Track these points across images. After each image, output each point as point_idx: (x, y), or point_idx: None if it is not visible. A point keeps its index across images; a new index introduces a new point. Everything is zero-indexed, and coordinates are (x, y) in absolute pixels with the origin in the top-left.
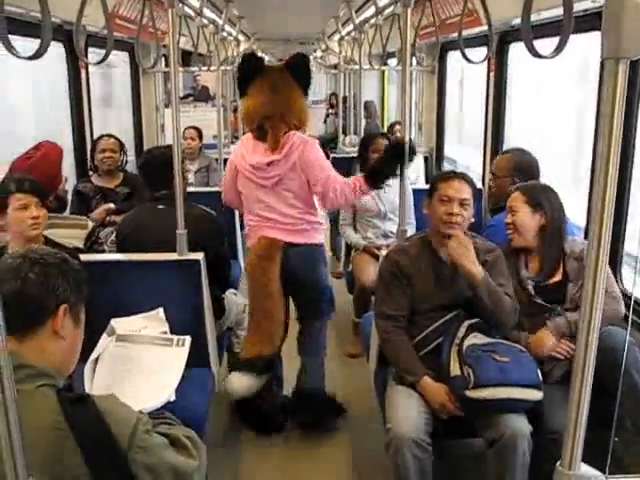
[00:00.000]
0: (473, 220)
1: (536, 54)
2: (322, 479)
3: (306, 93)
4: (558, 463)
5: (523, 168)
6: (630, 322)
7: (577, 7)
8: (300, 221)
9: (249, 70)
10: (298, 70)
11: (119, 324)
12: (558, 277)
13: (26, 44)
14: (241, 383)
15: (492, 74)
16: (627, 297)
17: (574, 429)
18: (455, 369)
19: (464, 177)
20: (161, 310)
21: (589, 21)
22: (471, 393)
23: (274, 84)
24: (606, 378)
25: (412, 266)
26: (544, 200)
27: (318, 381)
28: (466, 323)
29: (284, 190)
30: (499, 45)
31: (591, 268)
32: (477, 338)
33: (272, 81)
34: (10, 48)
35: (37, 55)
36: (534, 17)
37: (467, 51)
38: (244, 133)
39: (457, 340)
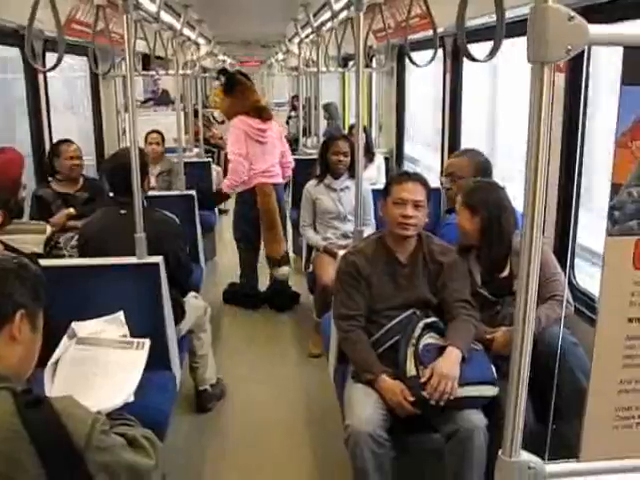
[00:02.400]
0: (427, 220)
1: (470, 57)
2: (283, 476)
3: None
4: (500, 451)
5: (482, 168)
6: (562, 321)
7: (511, 14)
8: (277, 169)
9: (232, 79)
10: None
11: (80, 327)
12: (506, 272)
13: None
14: (287, 270)
15: (448, 75)
16: (579, 292)
17: (513, 418)
18: (411, 369)
19: (418, 178)
20: (121, 313)
21: (521, 27)
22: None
23: (252, 86)
24: (551, 377)
25: (369, 266)
26: (479, 202)
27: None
28: (422, 323)
29: (272, 147)
30: (454, 47)
31: (524, 266)
32: (433, 338)
33: (250, 84)
34: None
35: None
36: (481, 20)
37: (430, 52)
38: (205, 137)
39: (413, 340)
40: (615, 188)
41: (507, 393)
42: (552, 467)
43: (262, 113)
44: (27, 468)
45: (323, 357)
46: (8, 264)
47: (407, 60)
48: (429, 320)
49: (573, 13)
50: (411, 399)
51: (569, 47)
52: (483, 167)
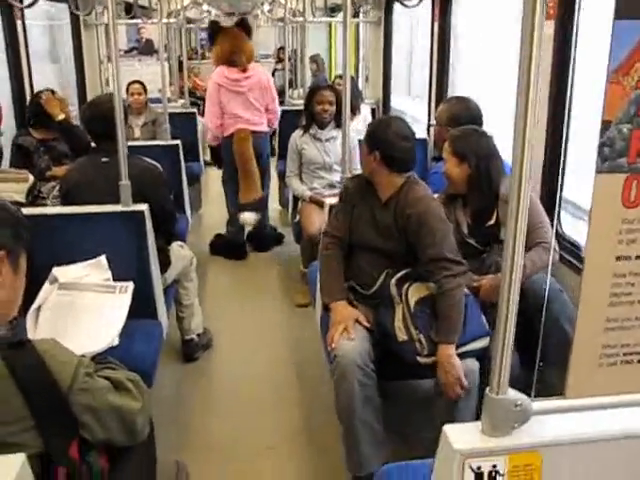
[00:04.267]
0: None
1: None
2: (269, 422)
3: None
4: (487, 389)
5: (459, 117)
6: (549, 269)
7: None
8: (259, 118)
9: (214, 29)
10: (245, 26)
11: (61, 272)
12: (493, 220)
13: None
14: (251, 217)
15: (436, 24)
16: (565, 241)
17: (500, 356)
18: (401, 334)
19: None
20: (103, 257)
21: None
22: (424, 359)
23: (233, 35)
24: (538, 323)
25: (356, 193)
26: (467, 149)
27: (266, 222)
28: (394, 280)
29: (251, 97)
30: None
31: (512, 213)
32: (420, 289)
33: (232, 33)
34: None
35: None
36: None
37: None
38: (189, 88)
39: (397, 298)
40: (605, 125)
41: (494, 334)
42: (538, 404)
43: (236, 63)
44: (12, 409)
45: (310, 307)
46: None
47: (395, 9)
48: (400, 275)
49: None
50: (367, 325)
51: None
52: (460, 116)
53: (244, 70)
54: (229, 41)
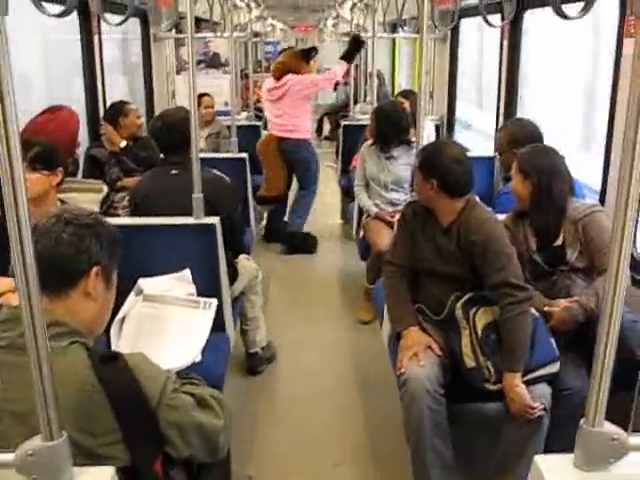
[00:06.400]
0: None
1: (562, 15)
2: (337, 446)
3: (307, 62)
4: (582, 420)
5: (521, 139)
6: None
7: None
8: (289, 124)
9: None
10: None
11: (146, 283)
12: (560, 241)
13: None
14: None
15: (505, 41)
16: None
17: (598, 388)
18: (469, 360)
19: None
20: (187, 271)
21: None
22: (492, 387)
23: (287, 54)
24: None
25: (415, 221)
26: (530, 166)
27: (298, 227)
28: (459, 304)
29: (280, 105)
30: (516, 11)
31: (616, 246)
32: (488, 314)
33: (287, 53)
34: (39, 6)
35: (64, 13)
36: None
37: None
38: (254, 101)
39: (463, 323)
40: None
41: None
42: (636, 439)
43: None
44: (102, 421)
45: (372, 323)
46: (85, 219)
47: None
48: (465, 298)
49: None
50: (439, 353)
51: None
52: (522, 138)
53: (277, 79)
54: (280, 59)
